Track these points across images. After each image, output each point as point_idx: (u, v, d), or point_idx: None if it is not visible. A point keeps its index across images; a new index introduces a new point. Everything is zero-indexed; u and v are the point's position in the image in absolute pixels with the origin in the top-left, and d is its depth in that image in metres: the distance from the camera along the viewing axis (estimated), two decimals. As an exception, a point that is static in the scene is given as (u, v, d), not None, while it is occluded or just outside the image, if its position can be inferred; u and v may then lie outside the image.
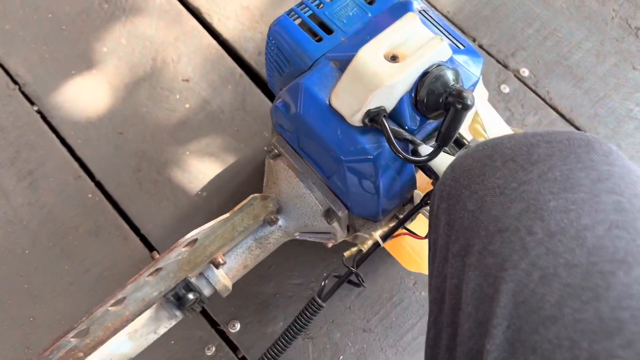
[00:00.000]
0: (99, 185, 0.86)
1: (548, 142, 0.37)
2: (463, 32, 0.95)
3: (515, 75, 0.91)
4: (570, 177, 0.35)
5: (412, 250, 0.66)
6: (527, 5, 0.96)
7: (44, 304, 0.78)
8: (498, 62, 0.92)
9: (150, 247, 0.82)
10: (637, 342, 0.29)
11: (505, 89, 0.90)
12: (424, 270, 0.68)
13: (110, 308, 0.53)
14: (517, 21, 0.95)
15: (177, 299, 0.57)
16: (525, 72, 0.91)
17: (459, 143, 0.56)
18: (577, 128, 0.87)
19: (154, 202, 0.84)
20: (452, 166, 0.41)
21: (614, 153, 0.37)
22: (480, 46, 0.93)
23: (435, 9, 0.97)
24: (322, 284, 0.54)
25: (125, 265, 0.80)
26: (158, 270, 0.55)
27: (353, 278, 0.55)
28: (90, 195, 0.85)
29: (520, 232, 0.34)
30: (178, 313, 0.59)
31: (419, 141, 0.52)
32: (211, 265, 0.59)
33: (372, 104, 0.50)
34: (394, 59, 0.50)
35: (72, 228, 0.83)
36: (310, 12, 0.59)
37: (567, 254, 0.33)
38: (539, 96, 0.89)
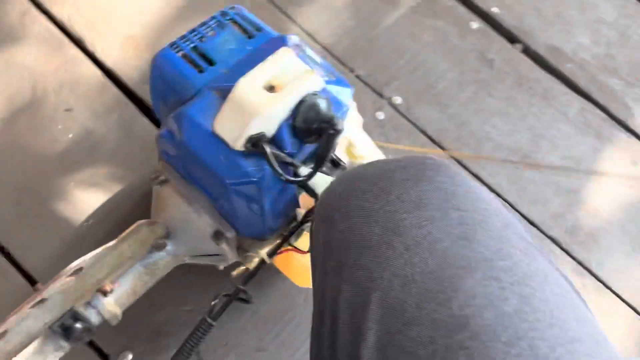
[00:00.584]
0: (-27, 220, 0.82)
1: (404, 167, 0.43)
2: (342, 63, 1.02)
3: (389, 103, 0.99)
4: (422, 198, 0.41)
5: (301, 266, 0.70)
6: (398, 38, 1.05)
7: None
8: (374, 91, 1.00)
9: (34, 283, 0.79)
10: (481, 334, 0.35)
11: (381, 115, 0.97)
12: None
13: (-10, 343, 0.52)
14: (389, 53, 1.04)
15: (63, 329, 0.57)
16: (397, 100, 0.99)
17: (336, 164, 0.61)
18: (444, 150, 0.96)
19: (36, 236, 0.82)
20: (325, 191, 0.46)
21: (459, 175, 0.43)
22: (358, 76, 1.01)
23: (316, 40, 1.03)
24: (212, 303, 0.56)
25: (6, 302, 0.76)
26: (42, 301, 0.54)
27: (242, 296, 0.58)
28: (-36, 232, 0.81)
29: (383, 247, 0.39)
30: (65, 344, 0.58)
31: (298, 163, 0.56)
32: (99, 293, 0.58)
33: (252, 130, 0.53)
34: (271, 89, 0.54)
35: (-57, 267, 0.78)
36: (193, 44, 0.61)
37: (422, 263, 0.38)
38: (410, 122, 0.98)
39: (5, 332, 0.52)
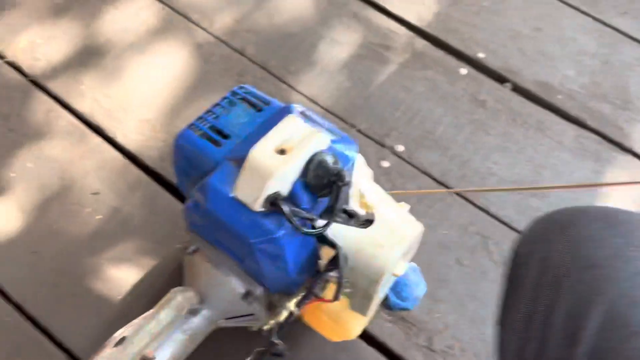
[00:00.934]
0: (16, 306, 0.86)
1: (626, 212, 0.51)
2: (343, 120, 1.08)
3: (392, 152, 1.04)
4: None
5: (333, 321, 0.73)
6: (392, 92, 1.12)
7: None
8: (375, 142, 1.05)
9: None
10: None
11: (385, 164, 1.02)
12: (347, 336, 0.74)
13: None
14: (386, 106, 1.10)
15: (112, 400, 0.60)
16: (399, 148, 1.04)
17: (350, 215, 0.66)
18: (449, 188, 1.01)
19: (75, 315, 0.86)
20: (542, 219, 0.53)
21: None
22: (359, 131, 1.06)
23: (317, 104, 1.10)
24: None
25: (51, 382, 0.80)
26: (91, 373, 0.58)
27: (275, 350, 0.61)
28: (7, 318, 0.85)
29: (609, 269, 0.45)
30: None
31: (315, 217, 0.60)
32: (142, 361, 0.62)
33: (269, 191, 0.58)
34: (282, 152, 0.59)
35: (-9, 353, 0.82)
36: (209, 124, 0.67)
37: None
38: (414, 166, 1.03)
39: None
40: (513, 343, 0.50)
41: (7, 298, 0.87)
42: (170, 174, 1.00)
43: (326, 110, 1.09)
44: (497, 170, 1.03)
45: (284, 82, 1.12)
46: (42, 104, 1.06)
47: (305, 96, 1.11)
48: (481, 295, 0.90)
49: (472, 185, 1.01)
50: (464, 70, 1.15)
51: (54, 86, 1.09)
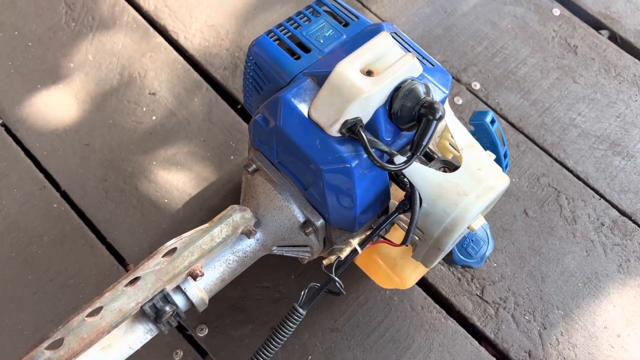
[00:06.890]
0: (64, 195, 0.82)
1: None
2: (418, 49, 0.96)
3: (467, 89, 0.93)
4: None
5: (389, 267, 0.65)
6: (475, 25, 0.98)
7: (7, 314, 0.73)
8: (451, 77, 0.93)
9: (116, 255, 0.78)
10: None
11: (459, 100, 0.91)
12: (401, 285, 0.66)
13: (86, 318, 0.50)
14: (467, 40, 0.97)
15: (154, 311, 0.54)
16: (476, 86, 0.93)
17: (429, 157, 0.56)
18: (526, 136, 0.89)
19: (120, 211, 0.81)
20: None
21: None
22: (435, 62, 0.95)
23: (392, 27, 0.97)
24: (302, 293, 0.53)
25: (90, 273, 0.77)
26: (136, 279, 0.52)
27: (332, 286, 0.54)
28: (55, 205, 0.80)
29: None
30: (153, 327, 0.55)
31: (394, 151, 0.52)
32: (189, 277, 0.56)
33: (349, 115, 0.49)
34: (369, 73, 0.50)
35: (36, 237, 0.78)
36: (289, 33, 0.58)
37: None
38: (490, 107, 0.91)
39: (100, 308, 0.50)
40: None
41: (56, 186, 0.82)
42: (231, 85, 0.91)
43: (401, 35, 0.97)
44: (580, 122, 0.91)
45: (358, 0, 1.00)
46: (107, -4, 0.97)
47: (380, 18, 0.99)
48: (545, 252, 0.81)
49: (551, 134, 0.89)
50: (557, 11, 1.00)
51: (121, -22, 0.99)
